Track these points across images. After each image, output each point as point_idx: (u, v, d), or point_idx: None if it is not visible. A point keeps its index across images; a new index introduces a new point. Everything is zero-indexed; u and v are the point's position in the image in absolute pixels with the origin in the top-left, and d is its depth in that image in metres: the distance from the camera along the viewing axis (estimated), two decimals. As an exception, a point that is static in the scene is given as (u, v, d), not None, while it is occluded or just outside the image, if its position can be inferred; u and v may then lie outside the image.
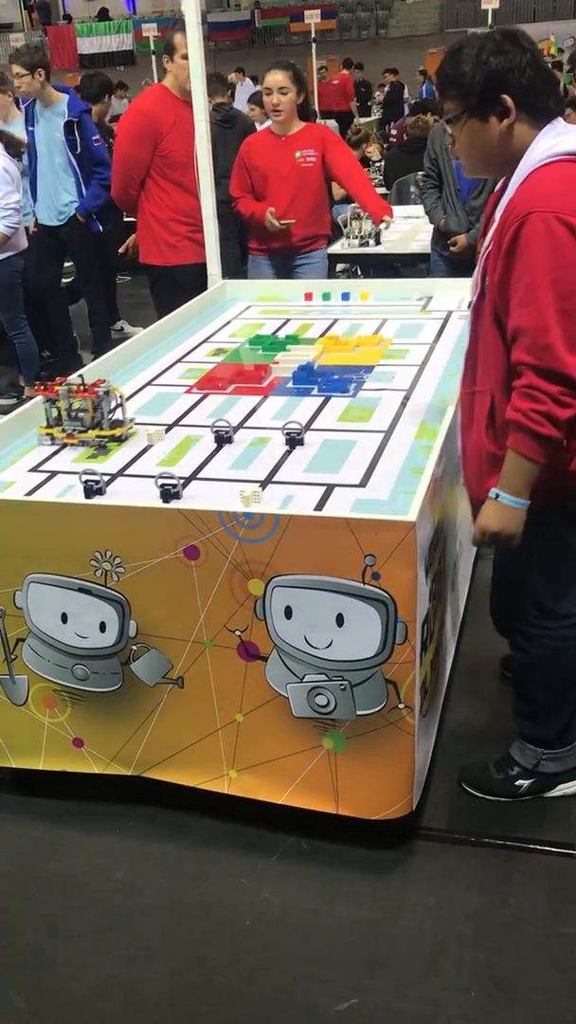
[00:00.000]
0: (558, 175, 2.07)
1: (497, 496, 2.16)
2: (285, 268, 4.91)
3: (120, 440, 2.73)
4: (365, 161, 9.27)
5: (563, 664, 2.42)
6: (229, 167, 4.91)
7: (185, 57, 4.25)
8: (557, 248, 2.01)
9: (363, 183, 4.84)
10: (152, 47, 15.82)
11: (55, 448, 2.75)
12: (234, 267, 5.99)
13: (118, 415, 2.78)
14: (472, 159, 2.23)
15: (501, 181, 2.23)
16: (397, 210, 6.67)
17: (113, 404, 2.78)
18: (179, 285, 4.60)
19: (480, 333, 2.24)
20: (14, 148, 5.73)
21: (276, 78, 4.61)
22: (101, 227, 5.99)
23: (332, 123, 11.52)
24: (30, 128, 5.83)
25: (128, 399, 3.10)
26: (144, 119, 4.53)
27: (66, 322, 6.37)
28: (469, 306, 2.31)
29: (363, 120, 14.38)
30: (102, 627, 2.41)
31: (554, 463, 2.12)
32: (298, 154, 4.68)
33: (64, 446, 2.75)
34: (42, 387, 2.76)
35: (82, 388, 2.72)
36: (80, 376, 2.73)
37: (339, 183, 5.00)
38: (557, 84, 2.16)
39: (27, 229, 5.85)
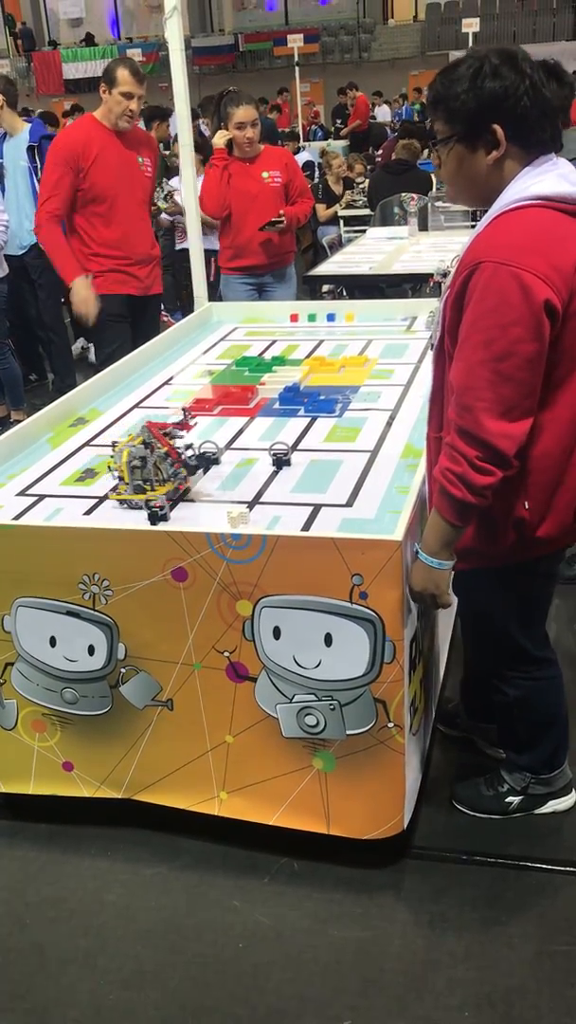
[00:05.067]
0: (525, 222, 1.92)
1: (417, 553, 2.14)
2: (259, 285, 4.97)
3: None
4: (349, 182, 9.36)
5: (539, 701, 2.44)
6: None
7: (125, 95, 4.30)
8: (501, 304, 1.86)
9: (303, 204, 5.09)
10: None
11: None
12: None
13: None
14: (457, 187, 2.09)
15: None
16: (381, 231, 6.75)
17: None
18: (100, 314, 4.61)
19: (440, 377, 2.14)
20: None
21: (250, 112, 4.74)
22: None
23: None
24: (0, 160, 5.88)
25: (115, 422, 3.12)
26: (65, 151, 4.45)
27: (67, 353, 6.43)
28: (431, 347, 2.22)
29: (337, 143, 14.36)
30: (91, 650, 2.41)
31: (519, 527, 2.09)
32: (265, 174, 4.87)
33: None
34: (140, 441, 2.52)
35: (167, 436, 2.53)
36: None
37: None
38: (556, 115, 1.96)
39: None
